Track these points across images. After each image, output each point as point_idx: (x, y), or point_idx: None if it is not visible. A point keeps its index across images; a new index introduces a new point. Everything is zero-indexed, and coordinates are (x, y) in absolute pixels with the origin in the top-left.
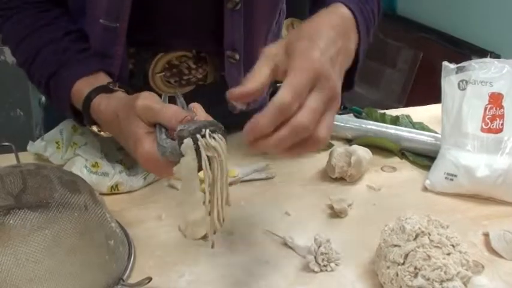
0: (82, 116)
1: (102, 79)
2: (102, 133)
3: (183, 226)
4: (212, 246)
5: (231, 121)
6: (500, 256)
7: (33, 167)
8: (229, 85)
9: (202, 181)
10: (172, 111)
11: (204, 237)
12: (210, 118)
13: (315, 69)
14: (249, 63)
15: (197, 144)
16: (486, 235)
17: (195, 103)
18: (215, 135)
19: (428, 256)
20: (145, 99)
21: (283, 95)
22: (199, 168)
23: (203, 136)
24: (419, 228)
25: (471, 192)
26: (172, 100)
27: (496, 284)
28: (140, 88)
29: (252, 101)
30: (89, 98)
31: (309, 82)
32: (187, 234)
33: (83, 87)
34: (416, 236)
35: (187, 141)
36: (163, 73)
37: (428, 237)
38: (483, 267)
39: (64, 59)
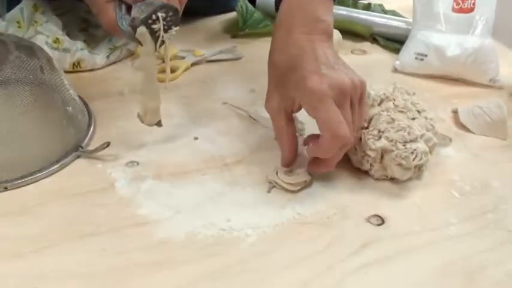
0: None
1: None
2: None
3: (142, 112)
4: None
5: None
6: (468, 130)
7: None
8: None
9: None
10: None
11: (159, 123)
12: None
13: (326, 94)
14: None
15: (151, 29)
16: (455, 112)
17: None
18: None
19: (392, 119)
20: None
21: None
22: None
23: (155, 21)
24: (384, 94)
25: (441, 73)
26: None
27: (463, 155)
28: None
29: None
30: None
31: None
32: (146, 120)
33: None
34: (381, 101)
35: (141, 30)
36: None
37: (393, 103)
38: (451, 140)
39: None
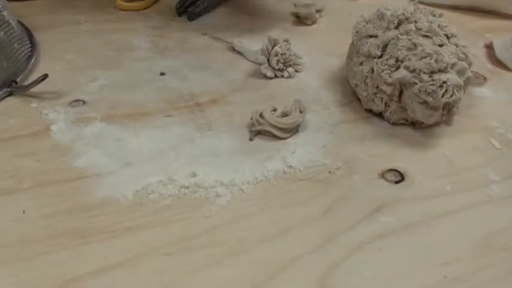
0: None
1: None
2: None
3: None
4: None
5: None
6: (506, 68)
7: None
8: None
9: None
10: None
11: None
12: None
13: None
14: None
15: None
16: (489, 47)
17: None
18: None
19: (414, 44)
20: None
21: None
22: None
23: None
24: (403, 14)
25: (471, 4)
26: None
27: (501, 96)
28: None
29: None
30: None
31: None
32: None
33: None
34: (399, 23)
35: None
36: None
37: (415, 25)
38: (485, 79)
39: None
